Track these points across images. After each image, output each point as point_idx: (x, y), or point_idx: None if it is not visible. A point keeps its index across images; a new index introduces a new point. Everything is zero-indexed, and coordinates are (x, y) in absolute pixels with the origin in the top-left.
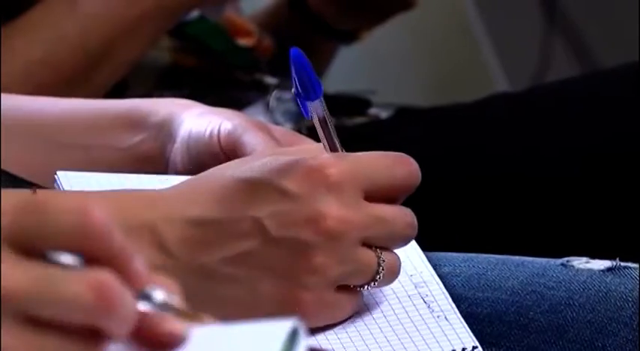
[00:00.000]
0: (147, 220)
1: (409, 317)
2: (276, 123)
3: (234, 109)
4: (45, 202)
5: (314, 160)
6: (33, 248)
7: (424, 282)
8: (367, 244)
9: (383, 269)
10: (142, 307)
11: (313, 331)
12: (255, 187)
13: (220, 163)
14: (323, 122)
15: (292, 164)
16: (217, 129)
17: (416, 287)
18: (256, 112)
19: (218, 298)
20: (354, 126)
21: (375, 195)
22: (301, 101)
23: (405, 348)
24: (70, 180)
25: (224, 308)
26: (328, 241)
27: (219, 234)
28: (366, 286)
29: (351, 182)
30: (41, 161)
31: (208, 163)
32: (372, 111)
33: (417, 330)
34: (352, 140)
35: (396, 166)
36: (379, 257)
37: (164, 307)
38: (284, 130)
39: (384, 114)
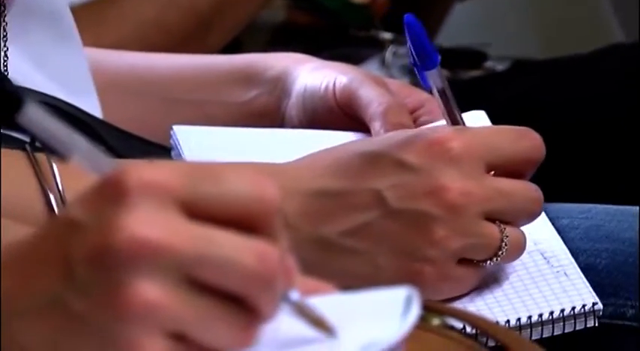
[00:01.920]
0: None
1: (529, 274)
2: (392, 78)
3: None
4: (220, 170)
5: (435, 134)
6: (203, 214)
7: (544, 239)
8: (490, 219)
9: (506, 245)
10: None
11: None
12: (376, 160)
13: (336, 117)
14: (442, 93)
15: (413, 138)
16: (332, 83)
17: (535, 244)
18: (371, 68)
19: (337, 271)
20: (469, 79)
21: (498, 169)
22: (418, 71)
23: (526, 305)
24: (186, 135)
25: (343, 281)
26: (449, 213)
27: (339, 206)
28: (488, 261)
29: (472, 155)
30: (156, 118)
31: (323, 117)
32: (488, 64)
33: (537, 287)
34: (468, 93)
35: (520, 139)
36: (502, 232)
37: (299, 309)
38: (400, 83)
39: (499, 67)
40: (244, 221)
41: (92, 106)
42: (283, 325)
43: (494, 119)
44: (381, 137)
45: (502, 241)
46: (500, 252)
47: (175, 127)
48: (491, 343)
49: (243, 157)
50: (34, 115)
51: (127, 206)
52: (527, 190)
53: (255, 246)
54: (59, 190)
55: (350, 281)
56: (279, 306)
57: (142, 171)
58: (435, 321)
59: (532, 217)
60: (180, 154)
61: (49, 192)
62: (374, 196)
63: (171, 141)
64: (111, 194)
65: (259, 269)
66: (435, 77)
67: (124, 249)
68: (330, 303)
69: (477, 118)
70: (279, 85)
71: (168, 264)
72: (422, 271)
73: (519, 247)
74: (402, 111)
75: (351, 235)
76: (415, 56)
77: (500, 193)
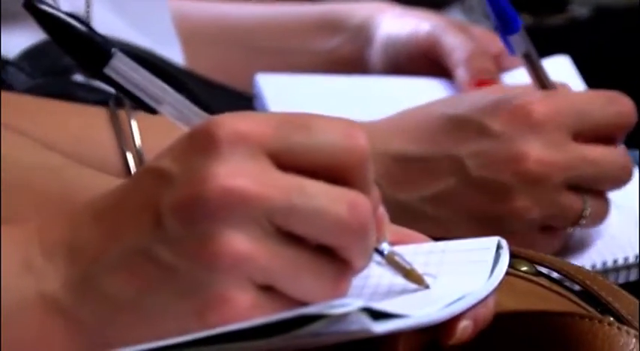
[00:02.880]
0: None
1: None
2: (475, 24)
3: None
4: (311, 121)
5: (520, 99)
6: (293, 165)
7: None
8: (574, 186)
9: (588, 214)
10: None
11: None
12: (459, 125)
13: (418, 64)
14: (527, 57)
15: (499, 103)
16: (415, 30)
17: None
18: (454, 14)
19: None
20: (552, 25)
21: (586, 135)
22: (501, 35)
23: (609, 248)
24: (270, 83)
25: None
26: (529, 183)
27: (421, 171)
28: (570, 229)
29: (557, 121)
30: (239, 67)
31: (406, 64)
32: (571, 9)
33: (613, 233)
34: (550, 40)
35: (609, 104)
36: (585, 202)
37: (391, 261)
38: (483, 30)
39: (582, 11)
40: (335, 173)
41: (175, 56)
42: (373, 276)
43: (577, 68)
44: (468, 99)
45: (584, 210)
46: (581, 221)
47: (259, 76)
48: (577, 288)
49: (328, 105)
50: (122, 66)
51: (217, 157)
52: (615, 156)
53: (347, 196)
54: (137, 149)
55: None
56: (371, 257)
57: (233, 122)
58: (524, 267)
59: (620, 184)
60: (263, 103)
61: (126, 151)
62: (455, 163)
63: (255, 90)
64: (201, 145)
65: (351, 220)
66: (519, 42)
67: (213, 199)
68: (422, 252)
69: (560, 65)
70: (363, 32)
71: (258, 214)
72: None
73: (601, 216)
74: (485, 57)
75: (430, 202)
76: (496, 21)
77: (584, 161)
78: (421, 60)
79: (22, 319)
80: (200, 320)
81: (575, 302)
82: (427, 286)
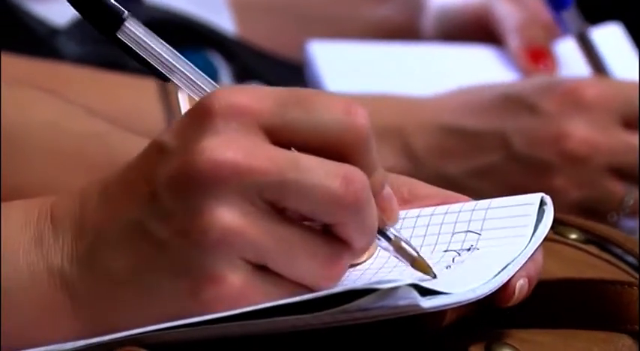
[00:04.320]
0: (399, 124)
1: None
2: None
3: None
4: (310, 97)
5: (573, 81)
6: (289, 140)
7: None
8: (617, 173)
9: (630, 202)
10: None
11: None
12: (510, 103)
13: (471, 32)
14: (579, 37)
15: (551, 83)
16: None
17: None
18: None
19: None
20: None
21: (634, 123)
22: (552, 11)
23: None
24: (322, 51)
25: None
26: (570, 163)
27: (467, 144)
28: (611, 217)
29: (606, 105)
30: (290, 35)
31: (459, 32)
32: None
33: None
34: (601, 7)
35: None
36: (627, 190)
37: (396, 246)
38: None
39: None
40: (333, 150)
41: (225, 23)
42: (378, 262)
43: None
44: (527, 80)
45: (624, 199)
46: (622, 208)
47: (311, 43)
48: (627, 258)
49: (379, 73)
50: (135, 31)
51: (211, 130)
52: None
53: (341, 170)
54: None
55: None
56: (373, 240)
57: (229, 96)
58: (573, 235)
59: None
60: (314, 71)
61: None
62: (501, 138)
63: (306, 57)
64: (197, 119)
65: (344, 194)
66: (570, 19)
67: (203, 171)
68: (467, 209)
69: (611, 34)
70: (415, 0)
71: (248, 188)
72: None
73: None
74: (537, 25)
75: (474, 176)
76: None
77: (628, 147)
78: (473, 28)
79: (32, 296)
80: (194, 299)
81: (624, 270)
82: (434, 276)
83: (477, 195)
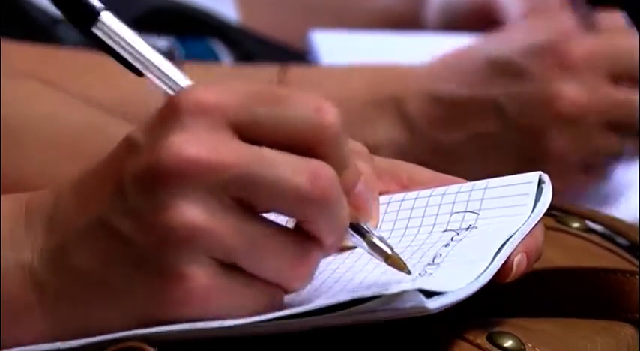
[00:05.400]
0: (395, 93)
1: None
2: None
3: None
4: (280, 94)
5: (559, 41)
6: (258, 137)
7: None
8: (612, 128)
9: (623, 156)
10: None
11: None
12: (500, 68)
13: (474, 22)
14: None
15: (539, 44)
16: None
17: None
18: None
19: None
20: None
21: (626, 78)
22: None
23: None
24: (325, 40)
25: None
26: (563, 124)
27: (460, 112)
28: (609, 167)
29: (592, 63)
30: (294, 23)
31: (462, 22)
32: None
33: None
34: None
35: None
36: (621, 144)
37: (370, 243)
38: None
39: None
40: (303, 148)
41: (227, 10)
42: (354, 261)
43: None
44: (510, 41)
45: (621, 152)
46: (618, 158)
47: (314, 33)
48: (628, 246)
49: (382, 62)
50: (110, 26)
51: (177, 127)
52: None
53: (308, 165)
54: None
55: None
56: (344, 236)
57: (197, 93)
58: (575, 224)
59: None
60: (317, 59)
61: None
62: (494, 105)
63: (309, 46)
64: (165, 116)
65: (311, 189)
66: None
67: (167, 167)
68: (465, 190)
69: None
70: None
71: (213, 184)
72: None
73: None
74: (540, 13)
75: (468, 143)
76: None
77: (619, 104)
78: (477, 17)
79: (5, 292)
80: (160, 296)
81: (626, 259)
82: (409, 272)
83: (474, 163)
